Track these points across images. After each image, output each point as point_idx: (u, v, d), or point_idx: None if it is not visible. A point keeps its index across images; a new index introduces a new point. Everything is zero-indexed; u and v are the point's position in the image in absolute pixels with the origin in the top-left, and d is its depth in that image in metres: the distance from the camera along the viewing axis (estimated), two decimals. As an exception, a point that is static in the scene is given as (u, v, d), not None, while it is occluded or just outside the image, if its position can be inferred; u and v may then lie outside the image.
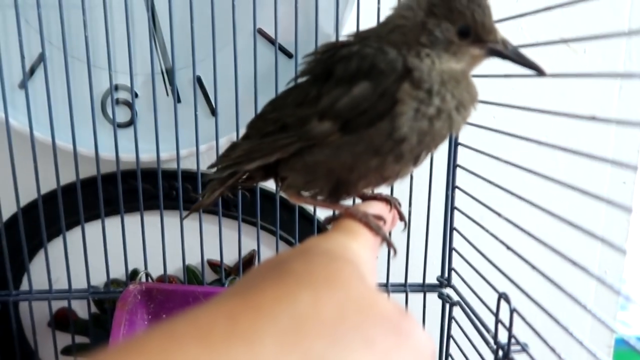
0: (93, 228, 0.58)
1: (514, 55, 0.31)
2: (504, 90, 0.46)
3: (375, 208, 0.33)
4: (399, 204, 0.36)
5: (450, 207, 0.54)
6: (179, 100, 0.55)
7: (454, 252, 0.55)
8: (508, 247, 0.42)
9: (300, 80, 0.35)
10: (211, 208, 0.60)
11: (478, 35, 0.31)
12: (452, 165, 0.54)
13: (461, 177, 0.54)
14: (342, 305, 0.20)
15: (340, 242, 0.27)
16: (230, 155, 0.36)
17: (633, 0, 0.62)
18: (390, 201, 0.35)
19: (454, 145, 0.53)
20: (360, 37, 0.33)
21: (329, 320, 0.19)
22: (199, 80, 0.56)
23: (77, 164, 0.54)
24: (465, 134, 0.53)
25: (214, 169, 0.37)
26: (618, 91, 0.63)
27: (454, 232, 0.55)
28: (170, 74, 0.55)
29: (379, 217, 0.31)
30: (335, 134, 0.30)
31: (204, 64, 0.54)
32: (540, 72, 0.31)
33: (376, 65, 0.30)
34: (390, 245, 0.32)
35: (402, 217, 0.37)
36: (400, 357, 0.20)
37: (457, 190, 0.54)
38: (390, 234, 0.35)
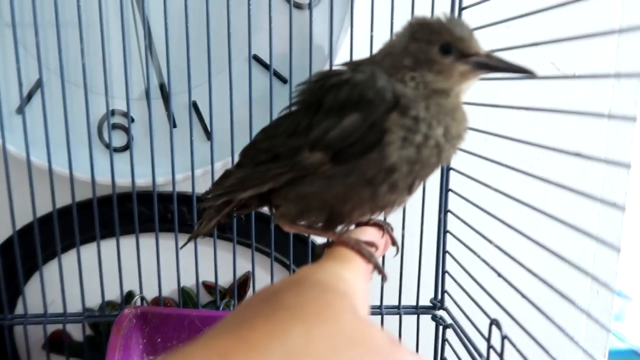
0: (89, 251, 0.58)
1: (501, 64, 0.31)
2: (496, 114, 0.47)
3: (368, 234, 0.33)
4: (392, 228, 0.37)
5: (442, 231, 0.55)
6: (174, 125, 0.56)
7: (447, 275, 0.56)
8: (499, 275, 0.42)
9: (293, 108, 0.35)
10: (206, 230, 0.60)
11: (460, 51, 0.31)
12: (445, 190, 0.54)
13: (453, 201, 0.54)
14: (334, 339, 0.21)
15: (333, 271, 0.27)
16: (224, 184, 0.36)
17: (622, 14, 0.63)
18: (382, 226, 0.36)
19: (446, 170, 0.54)
20: (355, 64, 0.34)
21: (322, 355, 0.20)
22: (194, 105, 0.57)
23: (73, 187, 0.54)
24: (457, 158, 0.54)
25: (209, 197, 0.37)
26: (608, 104, 0.65)
27: (447, 255, 0.55)
28: (166, 99, 0.56)
29: (371, 244, 0.32)
30: (327, 165, 0.31)
31: (199, 89, 0.55)
32: (530, 74, 0.31)
33: (365, 95, 0.30)
34: (381, 273, 0.32)
35: (394, 242, 0.37)
36: None
37: (449, 214, 0.54)
38: (383, 258, 0.36)
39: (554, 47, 0.61)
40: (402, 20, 0.35)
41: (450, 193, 0.54)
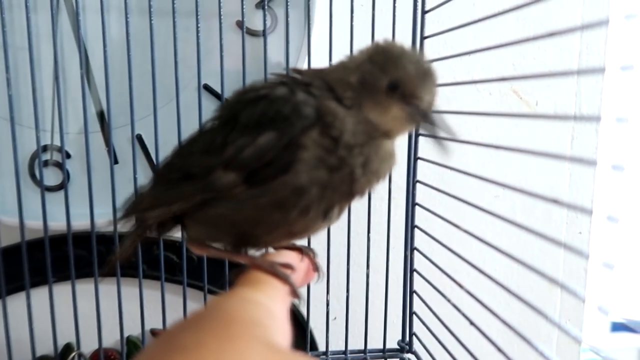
0: (17, 300, 0.52)
1: (433, 123, 0.29)
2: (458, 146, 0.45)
3: (285, 257, 0.31)
4: (314, 254, 0.34)
5: (409, 269, 0.52)
6: (116, 162, 0.51)
7: (414, 316, 0.53)
8: (472, 323, 0.40)
9: (209, 125, 0.33)
10: (153, 273, 0.55)
11: (404, 94, 0.29)
12: (410, 226, 0.51)
13: (420, 238, 0.52)
14: None
15: (245, 296, 0.25)
16: (138, 206, 0.34)
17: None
18: (302, 250, 0.33)
19: (411, 206, 0.51)
20: (291, 77, 0.31)
21: None
22: (139, 139, 0.52)
23: (-2, 232, 0.48)
24: (423, 194, 0.52)
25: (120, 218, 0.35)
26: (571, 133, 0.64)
27: (414, 295, 0.52)
28: (107, 133, 0.51)
29: (288, 266, 0.30)
30: (240, 187, 0.29)
31: (144, 121, 0.50)
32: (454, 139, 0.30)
33: (281, 111, 0.29)
34: (296, 295, 0.29)
35: (316, 268, 0.35)
36: None
37: (416, 252, 0.51)
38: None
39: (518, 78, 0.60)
40: (361, 47, 0.32)
41: (416, 229, 0.51)
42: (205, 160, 0.30)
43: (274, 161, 0.28)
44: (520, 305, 0.34)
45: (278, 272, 0.28)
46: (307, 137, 0.28)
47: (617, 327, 0.94)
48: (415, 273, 0.52)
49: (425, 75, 0.29)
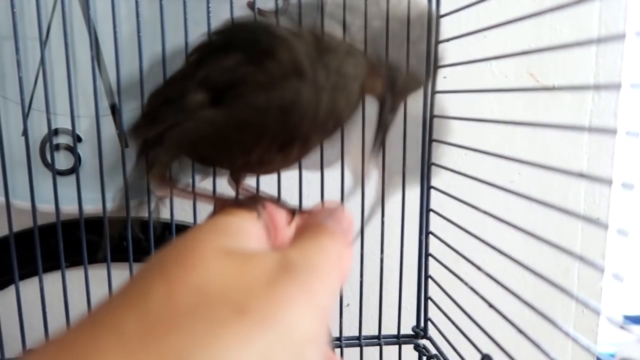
0: (31, 285, 0.51)
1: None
2: (475, 128, 0.44)
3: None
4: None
5: (424, 254, 0.51)
6: (127, 145, 0.50)
7: (430, 301, 0.52)
8: (489, 304, 0.39)
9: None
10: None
11: None
12: (425, 210, 0.51)
13: (435, 222, 0.51)
14: (199, 288, 0.17)
15: (208, 220, 0.24)
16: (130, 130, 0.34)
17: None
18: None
19: (426, 189, 0.50)
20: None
21: (186, 311, 0.16)
22: (150, 122, 0.51)
23: (10, 216, 0.48)
24: (437, 177, 0.51)
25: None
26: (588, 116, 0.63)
27: (430, 280, 0.51)
28: (117, 116, 0.50)
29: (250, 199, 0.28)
30: (207, 108, 0.28)
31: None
32: None
33: (256, 35, 0.28)
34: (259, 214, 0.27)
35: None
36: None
37: (431, 236, 0.51)
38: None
39: (533, 59, 0.59)
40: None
41: (431, 213, 0.50)
42: (181, 84, 0.30)
43: (239, 82, 0.28)
44: (538, 286, 0.33)
45: (243, 203, 0.27)
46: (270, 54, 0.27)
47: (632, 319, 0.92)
48: (430, 257, 0.51)
49: None
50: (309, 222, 0.26)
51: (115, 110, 0.51)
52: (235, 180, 0.34)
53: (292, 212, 0.32)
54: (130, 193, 0.48)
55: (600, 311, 0.57)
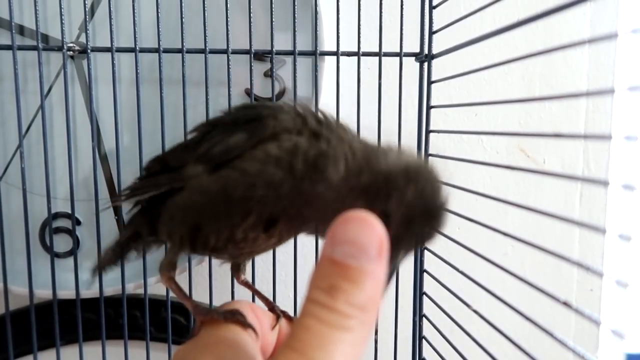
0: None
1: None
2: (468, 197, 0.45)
3: (235, 305, 0.30)
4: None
5: (418, 315, 0.52)
6: (124, 226, 0.51)
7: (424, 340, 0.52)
8: (486, 351, 0.39)
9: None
10: (160, 335, 0.55)
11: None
12: (419, 271, 0.51)
13: (429, 284, 0.51)
14: None
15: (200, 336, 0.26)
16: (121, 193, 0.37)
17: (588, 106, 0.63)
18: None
19: (420, 251, 0.51)
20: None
21: None
22: (148, 204, 0.52)
23: (6, 295, 0.48)
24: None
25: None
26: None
27: (423, 341, 0.52)
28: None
29: (235, 312, 0.29)
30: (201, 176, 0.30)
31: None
32: None
33: (260, 115, 0.30)
34: (246, 325, 0.28)
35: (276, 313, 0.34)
36: None
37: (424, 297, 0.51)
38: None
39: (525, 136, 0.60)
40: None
41: (425, 274, 0.51)
42: (182, 155, 0.32)
43: (238, 157, 0.29)
44: (536, 336, 0.33)
45: (218, 316, 0.28)
46: (273, 138, 0.29)
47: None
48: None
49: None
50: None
51: (113, 196, 0.52)
52: (235, 269, 0.35)
53: (277, 316, 0.33)
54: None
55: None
